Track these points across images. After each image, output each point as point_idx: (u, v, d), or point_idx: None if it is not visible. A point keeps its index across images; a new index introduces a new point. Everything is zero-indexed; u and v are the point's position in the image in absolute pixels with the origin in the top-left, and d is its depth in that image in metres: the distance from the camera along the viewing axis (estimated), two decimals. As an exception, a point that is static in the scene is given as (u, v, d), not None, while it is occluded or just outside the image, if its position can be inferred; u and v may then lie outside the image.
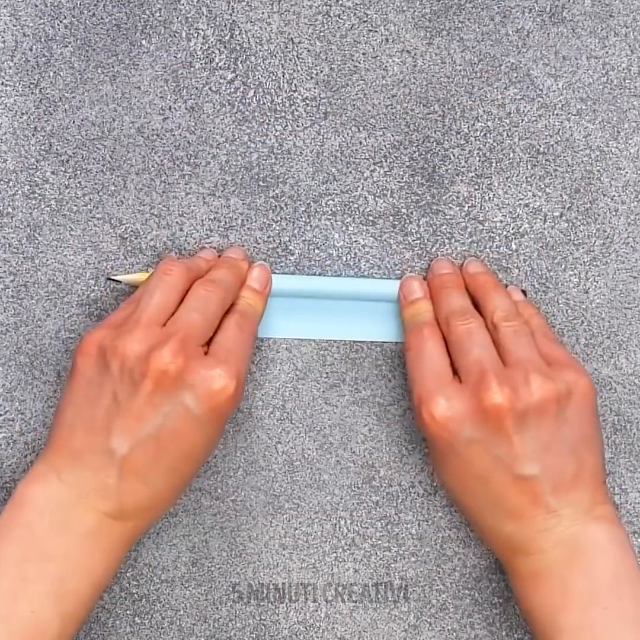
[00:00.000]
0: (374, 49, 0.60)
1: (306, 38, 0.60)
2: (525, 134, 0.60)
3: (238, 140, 0.60)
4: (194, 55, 0.59)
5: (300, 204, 0.60)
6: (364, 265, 0.60)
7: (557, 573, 0.51)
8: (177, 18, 0.59)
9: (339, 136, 0.60)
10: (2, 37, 0.59)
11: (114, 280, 0.58)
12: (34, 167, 0.59)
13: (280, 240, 0.60)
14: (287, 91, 0.60)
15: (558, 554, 0.52)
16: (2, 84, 0.59)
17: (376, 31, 0.60)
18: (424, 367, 0.54)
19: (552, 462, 0.52)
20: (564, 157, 0.60)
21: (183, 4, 0.59)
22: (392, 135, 0.60)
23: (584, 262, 0.60)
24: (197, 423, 0.52)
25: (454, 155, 0.60)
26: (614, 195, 0.60)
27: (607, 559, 0.51)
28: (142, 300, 0.54)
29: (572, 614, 0.51)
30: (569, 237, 0.60)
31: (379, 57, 0.60)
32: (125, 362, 0.51)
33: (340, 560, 0.60)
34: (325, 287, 0.59)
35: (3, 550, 0.50)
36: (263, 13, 0.60)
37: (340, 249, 0.60)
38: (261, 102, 0.60)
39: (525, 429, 0.51)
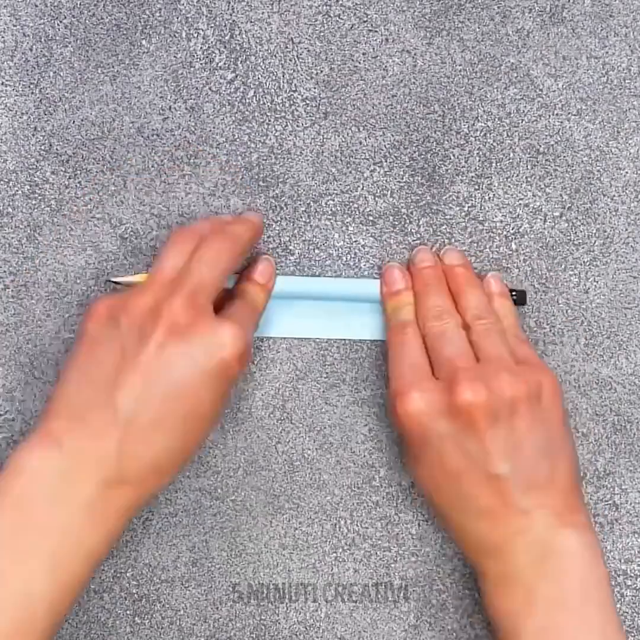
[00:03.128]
0: (374, 49, 0.60)
1: (306, 38, 0.60)
2: (525, 134, 0.60)
3: (238, 140, 0.60)
4: (194, 55, 0.60)
5: (300, 204, 0.60)
6: (364, 265, 0.60)
7: (525, 577, 0.51)
8: (177, 18, 0.59)
9: (339, 136, 0.60)
10: (2, 37, 0.59)
11: (113, 282, 0.58)
12: (34, 167, 0.59)
13: (280, 240, 0.60)
14: (287, 91, 0.60)
15: (528, 558, 0.51)
16: (2, 84, 0.59)
17: (376, 31, 0.60)
18: (403, 364, 0.55)
19: (524, 462, 0.52)
20: (564, 157, 0.60)
21: (183, 4, 0.59)
22: (392, 135, 0.60)
23: (584, 262, 0.60)
24: (204, 379, 0.50)
25: (454, 155, 0.60)
26: (614, 195, 0.60)
27: (576, 565, 0.51)
28: (153, 265, 0.53)
29: (536, 617, 0.50)
30: (569, 237, 0.60)
31: (379, 57, 0.60)
32: (135, 317, 0.51)
33: (340, 560, 0.60)
34: (325, 288, 0.59)
35: None
36: (263, 13, 0.60)
37: (340, 249, 0.60)
38: (261, 102, 0.60)
39: (496, 427, 0.51)
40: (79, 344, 0.52)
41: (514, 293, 0.59)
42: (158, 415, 0.50)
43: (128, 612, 0.60)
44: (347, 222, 0.60)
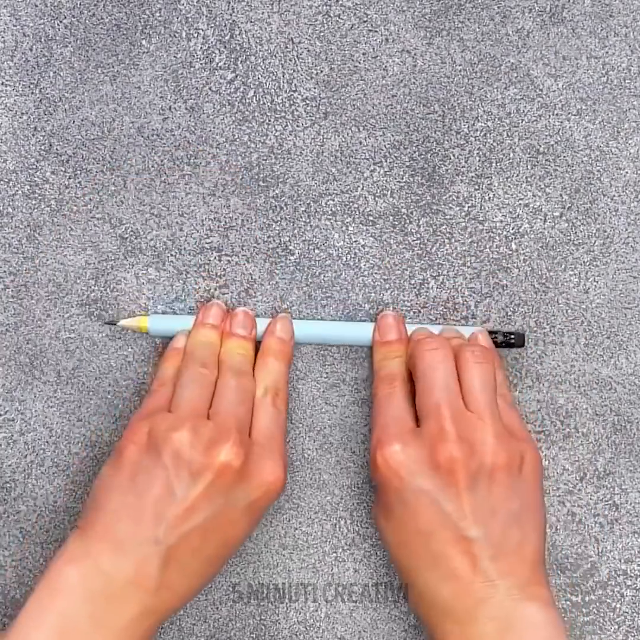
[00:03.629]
0: (374, 49, 0.60)
1: (306, 38, 0.60)
2: (525, 134, 0.60)
3: (238, 140, 0.60)
4: (194, 55, 0.59)
5: (300, 204, 0.60)
6: (364, 265, 0.60)
7: None
8: (177, 18, 0.59)
9: (339, 136, 0.60)
10: (2, 37, 0.59)
11: (112, 324, 0.59)
12: (34, 167, 0.59)
13: (280, 240, 0.60)
14: (287, 91, 0.60)
15: (491, 627, 0.50)
16: (2, 84, 0.59)
17: (376, 31, 0.60)
18: (387, 415, 0.55)
19: (496, 529, 0.51)
20: (564, 157, 0.60)
21: (183, 4, 0.59)
22: (392, 135, 0.60)
23: (584, 262, 0.60)
24: (244, 514, 0.53)
25: (454, 155, 0.60)
26: (614, 195, 0.60)
27: (539, 639, 0.51)
28: (180, 393, 0.55)
29: None
30: (569, 237, 0.60)
31: (379, 57, 0.60)
32: (181, 453, 0.51)
33: (340, 560, 0.60)
34: (323, 333, 0.59)
35: (38, 638, 0.49)
36: (263, 13, 0.60)
37: (340, 249, 0.60)
38: (261, 102, 0.60)
39: (475, 489, 0.51)
40: (119, 465, 0.53)
41: (512, 336, 0.58)
42: (196, 549, 0.51)
43: (128, 612, 0.60)
44: (347, 222, 0.60)
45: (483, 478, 0.51)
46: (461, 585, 0.51)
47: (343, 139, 0.60)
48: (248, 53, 0.60)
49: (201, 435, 0.52)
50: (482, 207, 0.60)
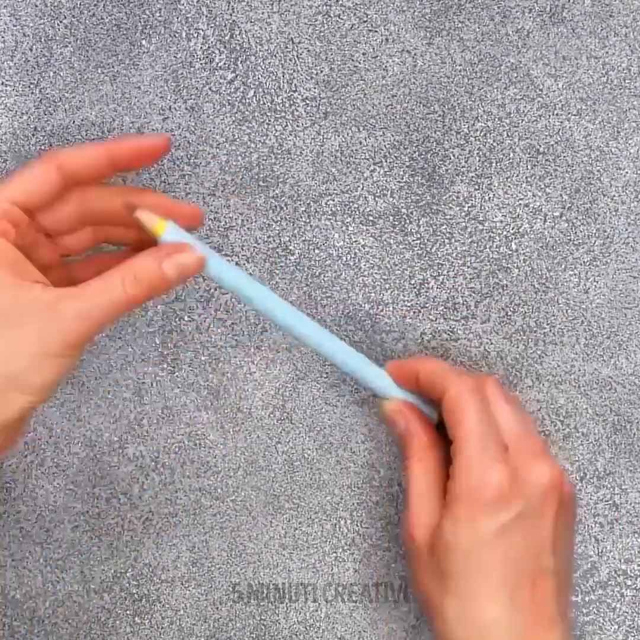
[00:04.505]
0: (374, 49, 0.60)
1: (306, 38, 0.60)
2: (525, 134, 0.60)
3: (238, 140, 0.60)
4: (194, 55, 0.60)
5: (300, 204, 0.60)
6: (364, 265, 0.60)
7: None
8: (177, 18, 0.59)
9: (339, 136, 0.60)
10: (2, 37, 0.59)
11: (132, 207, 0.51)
12: (34, 167, 0.59)
13: (280, 240, 0.60)
14: (287, 91, 0.60)
15: None
16: (2, 84, 0.59)
17: (376, 31, 0.60)
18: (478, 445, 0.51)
19: (564, 563, 0.50)
20: (564, 157, 0.60)
21: (183, 4, 0.59)
22: (392, 135, 0.60)
23: (584, 262, 0.60)
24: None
25: (454, 155, 0.60)
26: (614, 195, 0.60)
27: None
28: None
29: None
30: (569, 237, 0.60)
31: (379, 57, 0.60)
32: None
33: (340, 560, 0.60)
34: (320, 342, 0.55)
35: None
36: (263, 13, 0.60)
37: (340, 249, 0.60)
38: (261, 102, 0.60)
39: (559, 518, 0.50)
40: None
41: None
42: None
43: (128, 612, 0.60)
44: (347, 222, 0.60)
45: (564, 507, 0.51)
46: (533, 618, 0.49)
47: (343, 139, 0.60)
48: (248, 53, 0.60)
49: None
50: (482, 207, 0.60)
